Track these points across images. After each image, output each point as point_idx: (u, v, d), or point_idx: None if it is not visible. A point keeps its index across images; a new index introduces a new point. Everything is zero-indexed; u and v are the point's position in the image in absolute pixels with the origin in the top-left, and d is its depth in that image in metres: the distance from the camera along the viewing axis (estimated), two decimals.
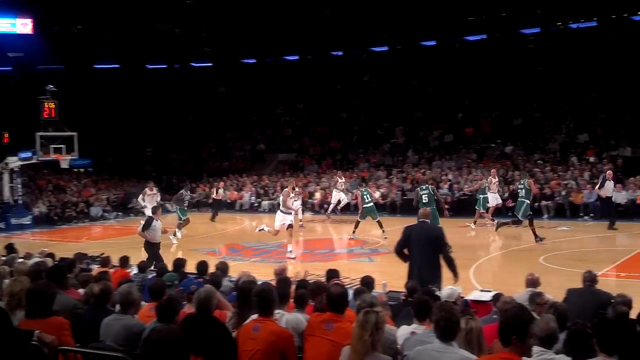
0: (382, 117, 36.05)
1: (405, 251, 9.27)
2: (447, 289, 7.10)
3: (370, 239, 18.71)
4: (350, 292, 7.05)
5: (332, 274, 8.17)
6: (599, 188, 18.99)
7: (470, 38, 38.32)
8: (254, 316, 5.29)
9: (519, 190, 17.28)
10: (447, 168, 27.83)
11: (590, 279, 7.63)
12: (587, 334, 4.47)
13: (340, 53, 41.52)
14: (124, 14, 32.33)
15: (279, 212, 16.77)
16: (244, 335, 5.15)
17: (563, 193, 22.86)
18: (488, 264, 14.95)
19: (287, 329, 5.28)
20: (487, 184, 20.81)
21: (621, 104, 28.64)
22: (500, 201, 21.46)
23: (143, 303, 6.26)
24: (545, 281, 8.16)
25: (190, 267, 9.40)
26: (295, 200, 18.63)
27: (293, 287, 6.71)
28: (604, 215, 19.70)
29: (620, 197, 21.09)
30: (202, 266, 8.89)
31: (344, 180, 25.64)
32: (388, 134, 34.41)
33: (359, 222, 19.01)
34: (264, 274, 10.36)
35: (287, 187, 17.93)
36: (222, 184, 28.21)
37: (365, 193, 19.19)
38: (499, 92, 34.13)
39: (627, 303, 6.28)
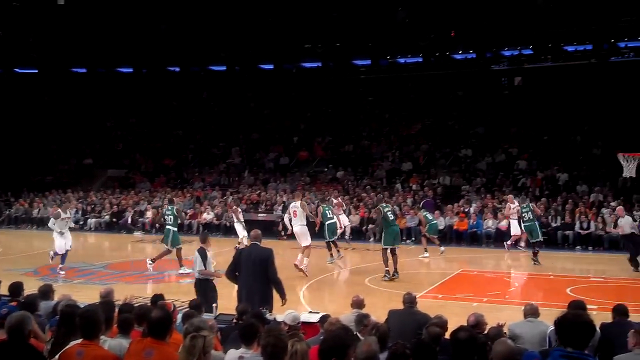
0: (219, 136, 35.90)
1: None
2: (291, 313, 7.20)
3: None
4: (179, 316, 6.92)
5: (157, 298, 7.93)
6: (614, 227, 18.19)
7: (307, 65, 39.57)
8: (78, 341, 5.00)
9: (524, 214, 17.91)
10: (281, 190, 28.29)
11: (409, 300, 8.11)
12: (405, 355, 4.73)
13: (177, 69, 40.86)
14: None
15: (302, 226, 16.13)
16: None
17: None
18: (317, 285, 15.31)
19: (113, 354, 5.04)
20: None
21: (441, 136, 31.07)
22: (519, 229, 19.53)
23: None
24: (370, 302, 8.56)
25: (4, 289, 8.66)
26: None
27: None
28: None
29: (440, 222, 22.69)
30: (16, 288, 8.16)
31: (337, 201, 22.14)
32: (224, 153, 34.31)
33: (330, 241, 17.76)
34: (88, 296, 9.80)
35: (297, 199, 17.23)
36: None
37: (327, 209, 17.97)
38: (333, 119, 35.51)
39: (442, 324, 6.76)
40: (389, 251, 15.15)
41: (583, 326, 4.32)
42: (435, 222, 20.10)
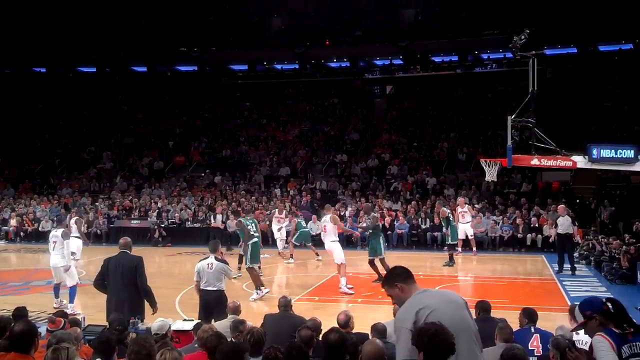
0: (89, 140, 34.40)
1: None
2: (158, 321, 7.00)
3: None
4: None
5: (19, 312, 7.45)
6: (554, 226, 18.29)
7: (182, 68, 38.98)
8: None
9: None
10: (156, 196, 27.55)
11: (284, 304, 8.17)
12: (277, 358, 4.77)
13: (43, 70, 38.77)
14: None
15: (334, 242, 14.47)
16: None
17: (267, 222, 24.15)
18: (192, 293, 14.99)
19: None
20: (448, 214, 18.77)
21: (317, 142, 31.60)
22: (471, 233, 20.10)
23: None
24: (246, 307, 8.53)
25: None
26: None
27: None
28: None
29: (315, 227, 22.99)
30: None
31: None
32: (95, 158, 32.90)
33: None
34: None
35: (328, 212, 15.09)
36: None
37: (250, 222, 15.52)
38: (209, 123, 35.14)
39: (316, 327, 6.85)
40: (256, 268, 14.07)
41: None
42: (306, 229, 20.43)
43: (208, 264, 9.46)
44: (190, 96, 36.88)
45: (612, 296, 10.93)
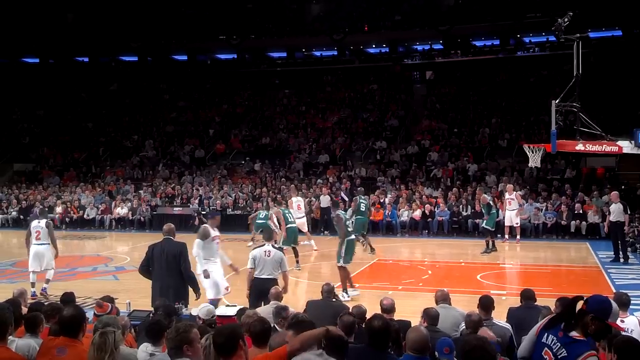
0: (132, 129, 34.96)
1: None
2: (204, 307, 7.10)
3: (117, 256, 17.93)
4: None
5: (67, 297, 7.66)
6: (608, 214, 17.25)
7: (222, 56, 39.18)
8: None
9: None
10: (198, 183, 27.89)
11: (327, 291, 8.19)
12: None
13: (86, 59, 39.45)
14: None
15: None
16: None
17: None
18: (236, 278, 15.16)
19: (21, 355, 4.87)
20: (489, 200, 18.70)
21: (356, 128, 31.51)
22: (517, 220, 19.91)
23: None
24: (288, 293, 8.59)
25: None
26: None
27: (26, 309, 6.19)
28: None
29: None
30: None
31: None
32: (137, 146, 33.43)
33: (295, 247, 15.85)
34: None
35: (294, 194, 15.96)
36: None
37: (286, 212, 16.10)
38: (249, 111, 35.36)
39: (360, 314, 6.85)
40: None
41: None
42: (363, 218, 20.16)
43: (265, 252, 9.44)
44: (229, 84, 37.13)
45: None
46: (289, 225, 15.47)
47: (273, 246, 9.58)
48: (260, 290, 9.18)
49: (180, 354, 4.16)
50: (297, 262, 15.29)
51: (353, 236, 12.51)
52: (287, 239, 15.43)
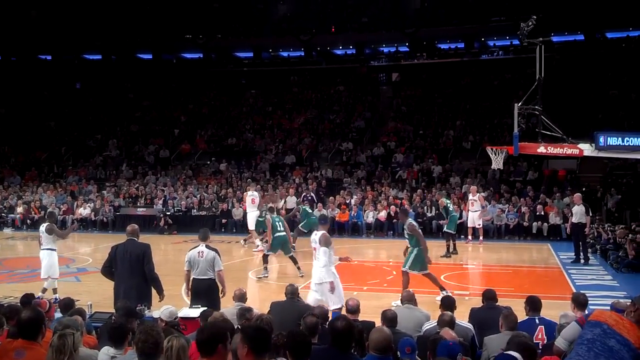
0: (95, 128, 34.43)
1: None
2: (167, 308, 7.03)
3: (78, 257, 17.63)
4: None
5: (28, 297, 7.52)
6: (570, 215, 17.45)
7: (187, 55, 38.88)
8: None
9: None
10: (162, 183, 27.61)
11: (291, 291, 8.19)
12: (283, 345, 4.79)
13: (49, 57, 38.74)
14: None
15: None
16: None
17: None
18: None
19: None
20: (446, 203, 18.89)
21: (322, 129, 31.56)
22: (479, 222, 20.20)
23: None
24: (252, 294, 8.56)
25: None
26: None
27: None
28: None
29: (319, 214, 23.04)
30: None
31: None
32: (101, 146, 32.94)
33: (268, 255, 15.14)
34: None
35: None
36: None
37: (277, 221, 15.30)
38: (215, 111, 35.13)
39: (323, 314, 6.89)
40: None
41: None
42: (314, 217, 20.23)
43: (199, 252, 9.26)
44: (195, 84, 36.85)
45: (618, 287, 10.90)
46: (276, 234, 14.72)
47: (207, 246, 9.38)
48: (196, 290, 9.15)
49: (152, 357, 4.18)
50: (299, 268, 14.59)
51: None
52: (272, 247, 14.80)
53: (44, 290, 11.75)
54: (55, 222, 12.62)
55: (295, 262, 14.70)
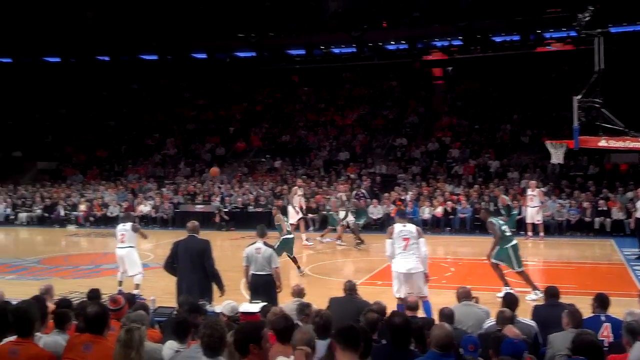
0: (153, 127, 35.23)
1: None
2: (228, 303, 7.14)
3: (140, 253, 18.01)
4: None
5: (93, 293, 7.75)
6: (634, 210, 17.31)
7: (241, 54, 39.21)
8: (11, 338, 4.85)
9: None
10: (218, 181, 28.02)
11: (350, 287, 8.22)
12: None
13: (106, 58, 39.71)
14: None
15: None
16: None
17: (327, 207, 24.15)
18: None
19: (48, 351, 4.92)
20: (507, 202, 19.10)
21: (376, 125, 31.43)
22: (539, 217, 20.01)
23: None
24: (310, 291, 8.62)
25: None
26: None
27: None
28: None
29: (376, 211, 22.99)
30: None
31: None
32: (159, 145, 33.70)
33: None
34: (21, 292, 9.42)
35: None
36: None
37: (286, 222, 15.30)
38: (269, 109, 35.43)
39: (381, 310, 6.88)
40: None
41: None
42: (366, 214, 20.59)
43: (256, 249, 9.46)
44: (249, 82, 37.28)
45: None
46: (284, 237, 14.58)
47: (264, 243, 9.55)
48: (254, 285, 9.35)
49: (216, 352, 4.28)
50: (298, 267, 14.80)
51: (514, 240, 12.13)
52: (279, 247, 14.03)
53: (137, 286, 12.09)
54: (133, 222, 13.03)
55: (295, 261, 14.83)
